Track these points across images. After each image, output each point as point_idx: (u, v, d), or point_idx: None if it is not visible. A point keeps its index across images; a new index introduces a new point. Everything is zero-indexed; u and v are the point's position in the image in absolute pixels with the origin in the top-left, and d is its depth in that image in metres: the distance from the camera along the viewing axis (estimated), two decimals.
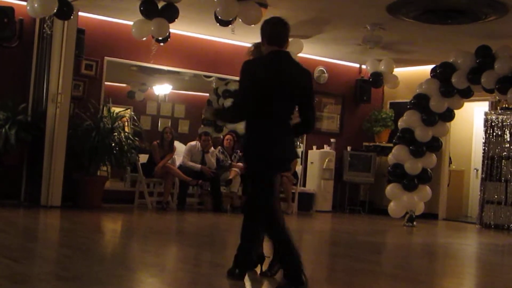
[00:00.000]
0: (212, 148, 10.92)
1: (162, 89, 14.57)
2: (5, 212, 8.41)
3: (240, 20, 8.40)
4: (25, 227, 7.69)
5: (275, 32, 4.55)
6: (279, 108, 4.47)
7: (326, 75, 12.79)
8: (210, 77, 13.02)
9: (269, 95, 4.44)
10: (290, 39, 10.82)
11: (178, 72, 12.52)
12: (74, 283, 4.24)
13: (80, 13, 9.41)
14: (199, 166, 10.55)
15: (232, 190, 10.74)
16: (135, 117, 10.64)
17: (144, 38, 9.27)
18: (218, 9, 8.19)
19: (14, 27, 9.20)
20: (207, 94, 14.19)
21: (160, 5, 8.67)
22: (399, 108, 12.25)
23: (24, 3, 8.51)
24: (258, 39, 10.44)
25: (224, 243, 7.48)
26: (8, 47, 9.47)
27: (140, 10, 8.69)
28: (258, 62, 4.66)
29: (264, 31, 4.59)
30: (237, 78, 12.86)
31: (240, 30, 9.21)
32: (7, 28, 9.05)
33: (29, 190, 9.30)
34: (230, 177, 10.66)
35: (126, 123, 10.31)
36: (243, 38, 10.89)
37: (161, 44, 9.49)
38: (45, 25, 9.00)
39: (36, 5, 7.95)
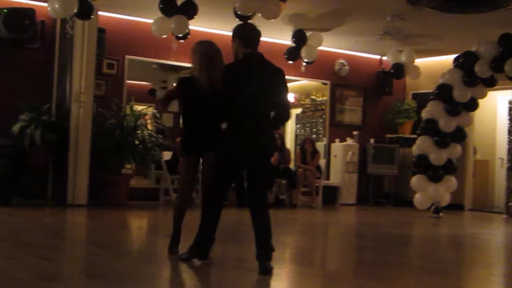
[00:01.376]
0: None
1: None
2: (33, 211, 8.51)
3: (259, 15, 8.39)
4: (53, 226, 7.76)
5: (254, 37, 5.04)
6: (257, 107, 4.85)
7: (347, 67, 12.73)
8: None
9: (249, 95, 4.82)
10: (309, 33, 10.86)
11: None
12: (103, 281, 4.27)
13: (100, 13, 9.46)
14: None
15: None
16: (157, 115, 10.69)
17: (164, 36, 9.31)
18: (237, 5, 8.20)
19: (36, 28, 9.28)
20: None
21: (179, 2, 8.70)
22: (421, 99, 12.15)
23: (45, 4, 8.57)
24: (278, 33, 10.39)
25: (249, 238, 7.44)
26: (30, 49, 9.55)
27: (160, 8, 8.73)
28: (240, 64, 4.96)
29: (240, 35, 5.01)
30: None
31: (260, 25, 9.16)
32: (29, 30, 9.12)
33: (55, 189, 9.39)
34: None
35: (148, 121, 10.35)
36: (263, 33, 10.82)
37: (181, 41, 9.52)
38: (66, 26, 9.08)
39: (56, 6, 8.01)
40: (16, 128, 8.92)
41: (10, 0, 9.28)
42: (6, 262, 4.72)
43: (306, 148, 11.57)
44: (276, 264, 5.08)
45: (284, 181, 11.34)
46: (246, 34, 5.01)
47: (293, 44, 10.93)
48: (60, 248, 5.93)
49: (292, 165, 11.70)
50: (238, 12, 8.29)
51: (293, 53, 10.94)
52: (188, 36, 9.34)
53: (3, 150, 8.80)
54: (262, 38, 12.41)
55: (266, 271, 4.76)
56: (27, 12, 9.08)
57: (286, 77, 12.78)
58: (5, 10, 8.87)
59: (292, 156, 11.97)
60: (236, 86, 4.82)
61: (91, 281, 4.26)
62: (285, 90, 5.01)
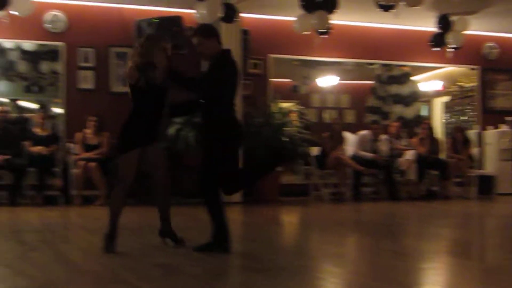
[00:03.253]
0: (383, 136, 10.82)
1: (326, 80, 14.64)
2: (190, 209, 8.89)
3: (402, 3, 8.23)
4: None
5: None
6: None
7: (496, 50, 12.18)
8: (373, 64, 12.91)
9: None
10: (455, 17, 10.44)
11: (340, 62, 12.55)
12: (265, 275, 4.38)
13: (243, 15, 9.70)
14: (371, 155, 10.49)
15: (408, 177, 10.53)
16: (304, 111, 10.81)
17: (306, 32, 9.38)
18: None
19: (184, 34, 9.70)
20: (371, 82, 14.08)
21: None
22: None
23: (191, 11, 8.94)
24: (422, 20, 10.08)
25: (403, 231, 7.38)
26: (179, 55, 9.98)
27: (301, 5, 8.80)
28: (231, 58, 5.27)
29: (216, 34, 5.24)
30: (402, 63, 12.62)
31: (403, 13, 9.00)
32: (177, 37, 9.55)
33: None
34: (403, 168, 10.47)
35: (294, 117, 10.49)
36: (406, 22, 10.67)
37: (323, 36, 9.54)
38: None
39: (203, 11, 8.33)
40: (171, 131, 9.38)
41: (160, 10, 9.79)
42: (178, 258, 4.99)
43: (457, 137, 11.21)
44: (433, 256, 4.99)
45: (435, 172, 11.05)
46: (218, 33, 5.29)
47: (438, 30, 10.62)
48: None
49: (443, 155, 11.38)
50: (381, 3, 8.18)
51: (438, 40, 10.62)
52: (330, 31, 9.35)
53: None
54: (406, 27, 12.22)
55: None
56: (175, 20, 9.52)
57: (432, 64, 12.51)
58: (156, 20, 9.36)
59: (443, 146, 11.63)
60: (235, 79, 5.20)
61: (255, 276, 4.37)
62: None
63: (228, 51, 5.29)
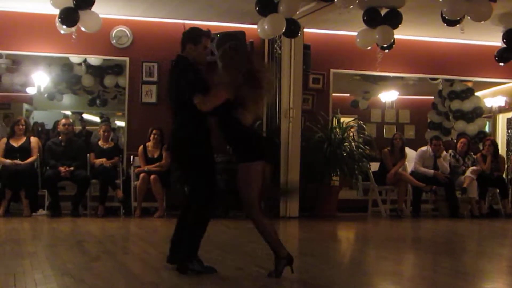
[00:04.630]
0: (444, 152, 10.62)
1: (387, 95, 14.52)
2: (251, 224, 8.90)
3: (468, 18, 8.09)
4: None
5: None
6: None
7: None
8: (436, 79, 12.73)
9: None
10: None
11: (402, 78, 12.43)
12: None
13: (305, 30, 9.70)
14: (432, 171, 10.31)
15: (470, 195, 10.29)
16: (364, 126, 10.72)
17: (369, 47, 9.32)
18: (444, 9, 7.97)
19: (246, 49, 9.77)
20: (432, 97, 13.89)
21: (383, 12, 8.66)
22: None
23: (254, 26, 9.01)
24: (487, 35, 9.86)
25: (464, 249, 7.23)
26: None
27: (364, 20, 8.75)
28: None
29: None
30: (465, 78, 12.37)
31: (469, 28, 8.85)
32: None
33: (269, 202, 9.77)
34: (465, 185, 10.23)
35: (354, 132, 10.43)
36: (472, 36, 10.49)
37: (386, 51, 9.47)
38: (275, 45, 9.45)
39: (266, 27, 8.38)
40: None
41: (223, 25, 9.91)
42: (237, 273, 5.05)
43: None
44: (494, 276, 4.87)
45: (498, 190, 10.78)
46: None
47: (504, 45, 10.37)
48: None
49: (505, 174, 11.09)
50: (446, 17, 8.06)
51: (504, 55, 10.36)
52: (393, 46, 9.26)
53: (221, 167, 9.34)
54: (471, 42, 11.96)
55: None
56: (238, 35, 9.60)
57: (496, 79, 12.20)
58: (217, 35, 9.47)
59: (506, 163, 11.34)
60: None
61: None
62: None
63: None
